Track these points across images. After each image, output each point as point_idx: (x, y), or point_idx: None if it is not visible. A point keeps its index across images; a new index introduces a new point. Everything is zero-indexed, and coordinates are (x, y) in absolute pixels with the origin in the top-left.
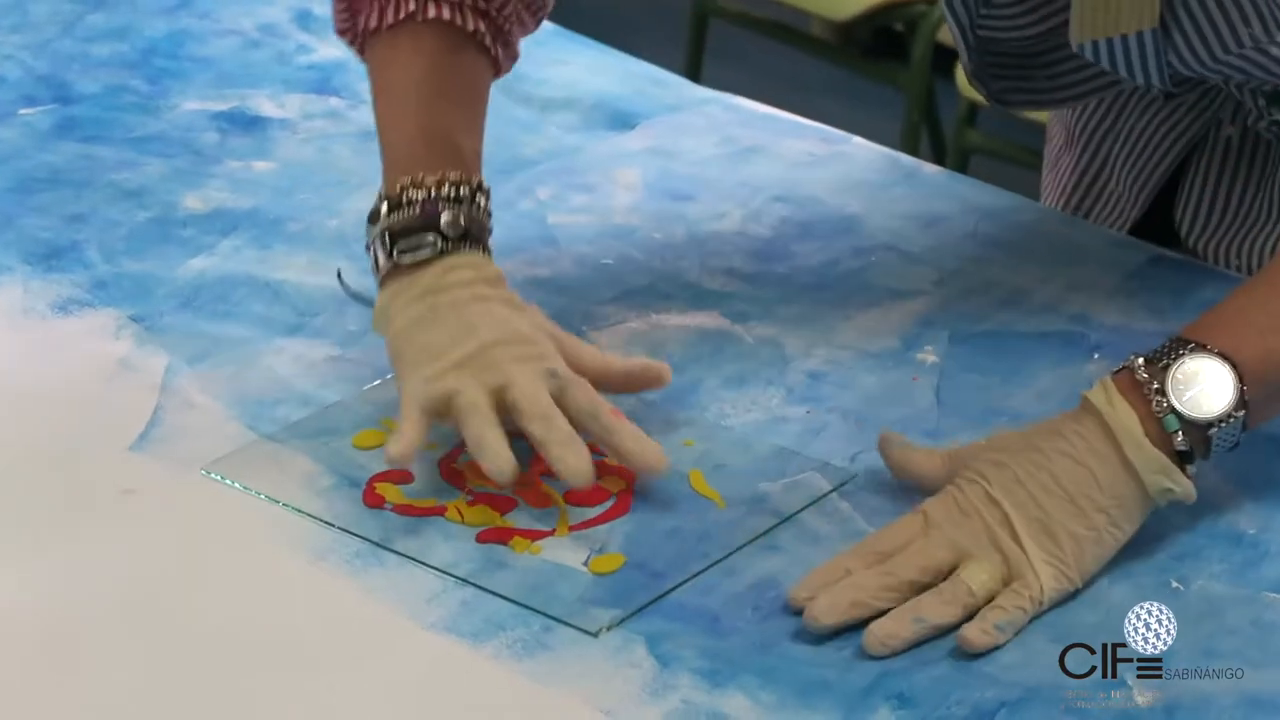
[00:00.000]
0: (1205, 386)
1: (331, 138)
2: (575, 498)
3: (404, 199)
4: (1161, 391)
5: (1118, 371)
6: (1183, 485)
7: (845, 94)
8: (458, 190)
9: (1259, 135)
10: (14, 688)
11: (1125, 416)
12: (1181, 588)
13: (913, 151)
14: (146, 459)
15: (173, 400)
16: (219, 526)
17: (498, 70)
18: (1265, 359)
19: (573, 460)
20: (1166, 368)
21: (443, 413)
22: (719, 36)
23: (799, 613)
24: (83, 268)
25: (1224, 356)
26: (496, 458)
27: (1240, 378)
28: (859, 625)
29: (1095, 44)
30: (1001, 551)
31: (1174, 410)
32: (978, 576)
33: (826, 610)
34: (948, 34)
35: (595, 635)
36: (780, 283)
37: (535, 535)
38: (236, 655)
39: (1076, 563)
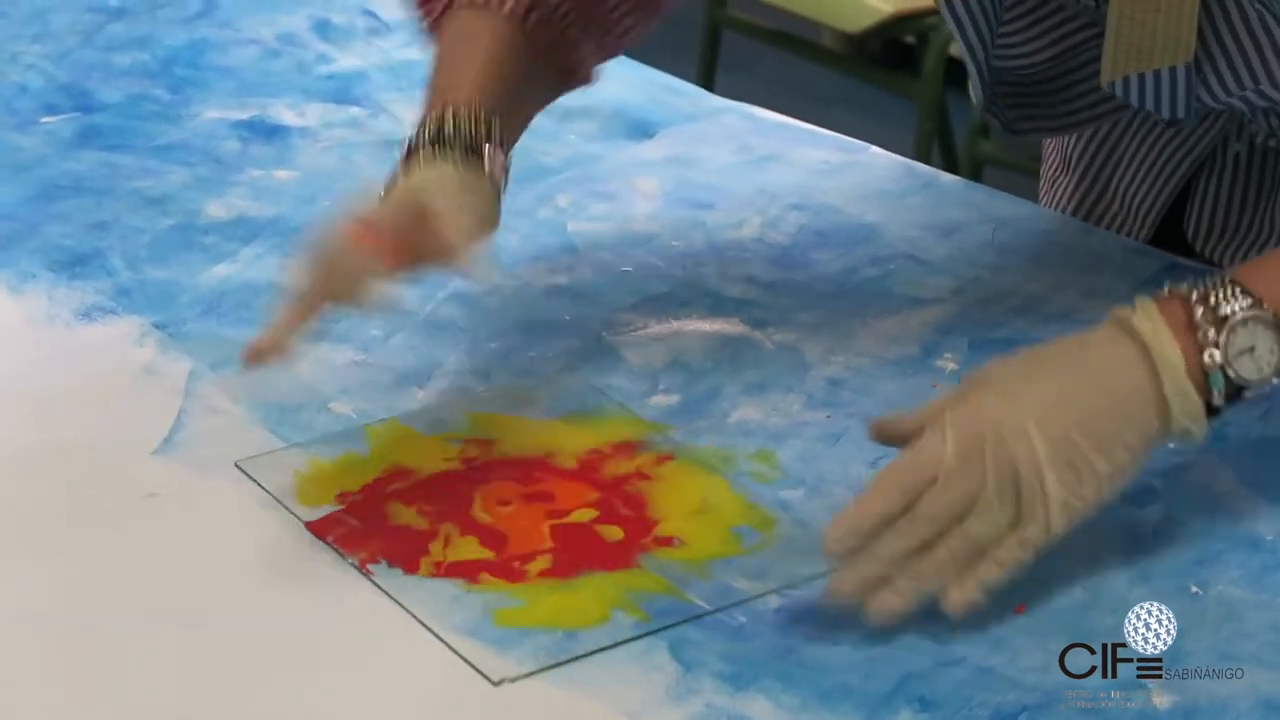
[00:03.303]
0: (1259, 351)
1: (352, 146)
2: (569, 545)
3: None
4: (1218, 345)
5: (1164, 298)
6: (1203, 431)
7: (857, 105)
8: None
9: (1268, 150)
10: (39, 688)
11: (1171, 353)
12: (1200, 592)
13: (925, 163)
14: (170, 463)
15: (196, 405)
16: (242, 529)
17: (557, 89)
18: None
19: None
20: (1224, 319)
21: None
22: (731, 48)
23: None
24: (106, 275)
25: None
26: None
27: None
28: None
29: (1126, 80)
30: (1019, 490)
31: (1222, 368)
32: (983, 532)
33: (855, 589)
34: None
35: (496, 684)
36: (799, 290)
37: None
38: (259, 657)
39: (1095, 500)
